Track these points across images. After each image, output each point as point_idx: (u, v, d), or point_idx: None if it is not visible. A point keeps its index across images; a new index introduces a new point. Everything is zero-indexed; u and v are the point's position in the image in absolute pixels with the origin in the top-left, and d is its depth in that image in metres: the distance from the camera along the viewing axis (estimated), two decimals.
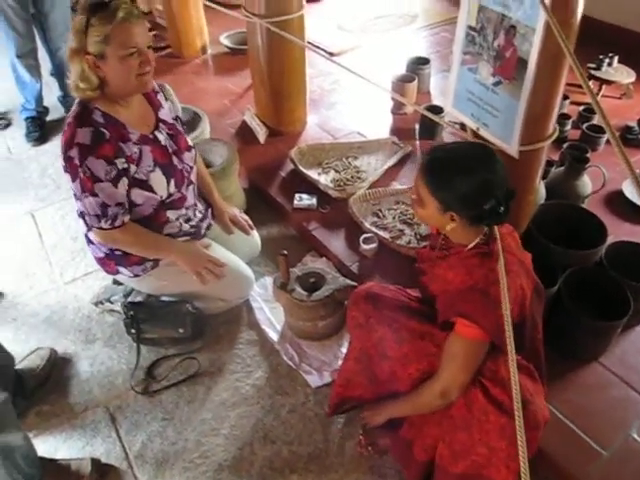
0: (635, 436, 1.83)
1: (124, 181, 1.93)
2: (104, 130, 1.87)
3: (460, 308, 1.48)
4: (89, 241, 2.18)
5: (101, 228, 1.96)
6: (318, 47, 4.14)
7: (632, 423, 1.86)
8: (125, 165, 1.92)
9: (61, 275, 2.70)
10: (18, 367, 2.14)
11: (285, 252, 2.14)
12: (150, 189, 2.01)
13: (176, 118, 2.22)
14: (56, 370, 2.26)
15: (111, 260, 2.17)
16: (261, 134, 3.25)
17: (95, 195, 1.88)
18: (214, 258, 2.20)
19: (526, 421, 1.40)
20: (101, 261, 2.21)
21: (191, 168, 2.20)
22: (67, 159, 1.85)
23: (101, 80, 1.84)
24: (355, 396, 1.88)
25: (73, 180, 1.88)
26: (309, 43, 3.40)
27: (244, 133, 3.37)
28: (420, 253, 1.79)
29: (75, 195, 1.95)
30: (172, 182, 2.08)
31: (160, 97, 2.17)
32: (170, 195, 2.09)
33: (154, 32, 4.65)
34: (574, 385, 1.97)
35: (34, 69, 3.55)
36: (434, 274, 1.66)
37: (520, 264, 1.55)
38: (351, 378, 1.85)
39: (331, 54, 4.15)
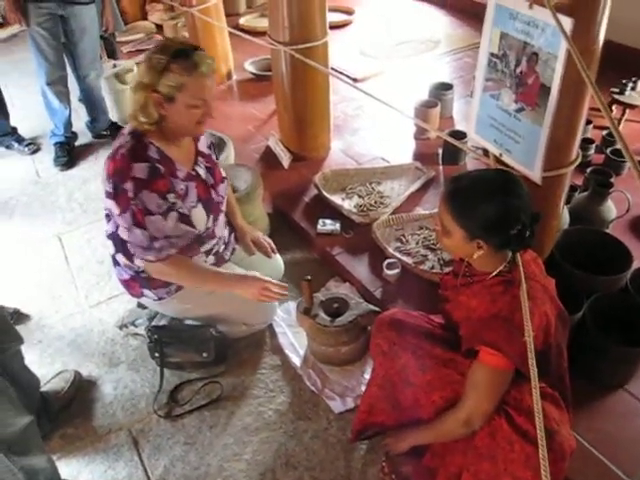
0: None
1: (173, 215, 1.97)
2: (159, 166, 1.91)
3: (484, 336, 1.47)
4: (115, 262, 2.20)
5: (146, 260, 1.99)
6: (342, 73, 4.19)
7: None
8: (175, 200, 1.97)
9: (86, 298, 2.74)
10: (43, 389, 2.17)
11: (309, 277, 2.15)
12: (190, 224, 2.05)
13: (210, 146, 2.26)
14: (80, 393, 2.28)
15: (136, 282, 2.19)
16: (285, 159, 3.28)
17: (144, 228, 1.91)
18: (265, 278, 2.16)
19: (552, 452, 1.39)
20: (126, 283, 2.24)
21: (223, 198, 2.23)
22: (119, 190, 1.87)
23: (160, 117, 1.89)
24: (378, 422, 1.87)
25: (123, 212, 1.90)
26: (333, 69, 3.44)
27: (268, 158, 3.41)
28: (443, 280, 1.79)
29: (124, 227, 1.95)
30: (211, 217, 2.12)
31: None
32: (207, 229, 2.13)
33: None
34: (600, 413, 1.94)
35: (63, 96, 3.64)
36: (457, 301, 1.65)
37: (544, 290, 1.54)
38: (374, 404, 1.84)
39: (355, 80, 4.18)
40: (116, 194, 1.88)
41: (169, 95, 1.83)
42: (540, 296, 1.50)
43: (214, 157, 2.25)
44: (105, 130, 4.00)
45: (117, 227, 2.00)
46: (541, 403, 1.46)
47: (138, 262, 2.05)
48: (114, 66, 4.06)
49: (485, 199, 1.44)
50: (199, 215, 2.07)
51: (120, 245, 2.05)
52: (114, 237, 2.06)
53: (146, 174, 1.87)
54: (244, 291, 2.12)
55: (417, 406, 1.71)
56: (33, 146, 4.00)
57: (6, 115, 3.93)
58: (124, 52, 5.05)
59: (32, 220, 3.32)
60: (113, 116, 4.15)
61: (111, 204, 1.92)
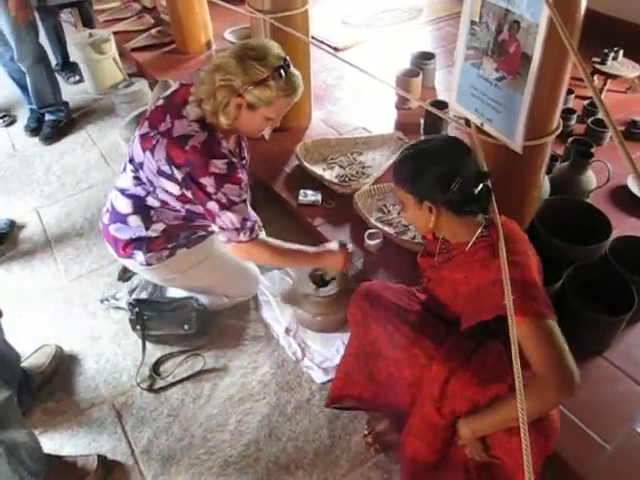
0: (639, 430, 1.82)
1: (249, 200, 2.00)
2: (234, 159, 1.91)
3: (502, 305, 1.35)
4: (124, 223, 2.11)
5: (240, 241, 1.99)
6: (322, 42, 4.14)
7: (636, 417, 1.86)
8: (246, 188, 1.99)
9: (66, 272, 2.72)
10: (24, 364, 2.15)
11: (344, 241, 2.19)
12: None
13: None
14: (62, 367, 2.27)
15: (132, 244, 2.12)
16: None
17: (234, 212, 1.91)
18: (345, 251, 2.18)
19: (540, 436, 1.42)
20: (118, 242, 2.14)
21: None
22: (195, 183, 1.86)
23: (234, 118, 1.87)
24: (354, 395, 1.86)
25: (203, 203, 1.90)
26: (313, 38, 3.40)
27: None
28: (421, 262, 1.77)
29: (212, 212, 1.94)
30: None
31: None
32: None
33: (158, 28, 4.66)
34: None
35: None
36: (439, 278, 1.64)
37: (528, 243, 1.55)
38: (350, 373, 1.84)
39: (335, 49, 4.15)
40: (190, 186, 1.88)
41: (254, 105, 1.82)
42: (527, 249, 1.50)
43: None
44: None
45: (147, 194, 2.01)
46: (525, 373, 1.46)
47: (151, 233, 2.07)
48: (90, 35, 3.97)
49: (425, 161, 1.47)
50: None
51: (141, 209, 2.05)
52: (136, 199, 2.04)
53: (226, 169, 1.87)
54: (334, 263, 2.15)
55: (391, 380, 1.71)
56: (8, 118, 3.93)
57: None
58: (100, 21, 4.93)
59: (9, 194, 3.26)
60: (89, 87, 4.09)
61: (171, 186, 1.92)
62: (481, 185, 1.46)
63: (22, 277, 2.71)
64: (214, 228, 2.00)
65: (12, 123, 3.91)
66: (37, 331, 2.42)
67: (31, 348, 2.27)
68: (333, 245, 2.17)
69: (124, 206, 2.07)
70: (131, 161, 2.01)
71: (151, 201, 2.03)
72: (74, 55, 4.19)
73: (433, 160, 1.46)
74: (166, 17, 4.62)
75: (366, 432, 1.97)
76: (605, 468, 1.74)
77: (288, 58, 1.87)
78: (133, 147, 1.99)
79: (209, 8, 4.22)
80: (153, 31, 4.65)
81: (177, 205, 2.00)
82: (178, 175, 1.86)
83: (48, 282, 2.67)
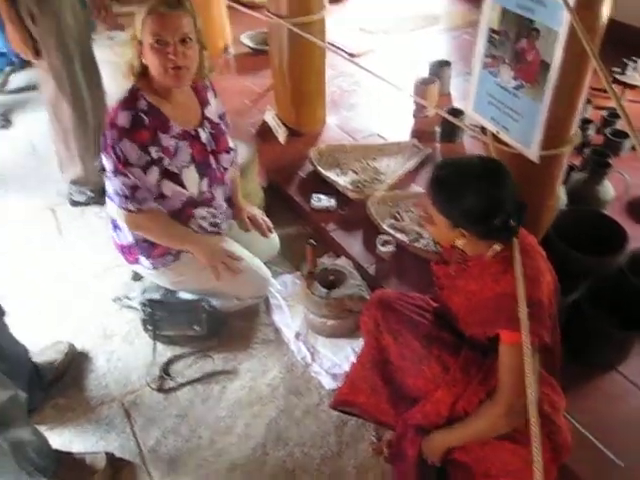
0: None
1: (154, 170, 1.96)
2: (144, 116, 1.90)
3: (499, 320, 1.43)
4: (115, 227, 2.20)
5: (128, 210, 1.98)
6: (339, 48, 4.14)
7: None
8: (160, 155, 1.96)
9: (80, 271, 2.73)
10: (37, 360, 2.16)
11: (312, 241, 2.19)
12: (181, 184, 2.04)
13: (222, 116, 2.25)
14: (74, 364, 2.28)
15: (134, 249, 2.18)
16: (281, 134, 3.26)
17: (126, 176, 1.91)
18: (232, 253, 2.21)
19: (551, 451, 1.41)
20: (124, 249, 2.22)
21: (225, 170, 2.22)
22: (104, 136, 1.90)
23: (143, 67, 1.90)
24: (358, 403, 1.85)
25: (107, 158, 1.93)
26: (330, 44, 3.40)
27: (264, 133, 3.38)
28: (436, 270, 1.76)
29: (107, 173, 1.98)
30: (205, 180, 2.11)
31: (209, 94, 2.20)
32: (201, 193, 2.12)
33: None
34: (592, 394, 1.94)
35: None
36: (454, 287, 1.63)
37: (544, 260, 1.53)
38: (355, 381, 1.84)
39: (352, 55, 4.14)
40: (104, 142, 1.92)
41: (140, 38, 1.86)
42: (542, 265, 1.49)
43: (223, 127, 2.24)
44: None
45: None
46: (540, 388, 1.47)
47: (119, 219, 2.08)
48: (110, 38, 4.00)
49: (468, 189, 1.41)
50: (190, 176, 2.06)
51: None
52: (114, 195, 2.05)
53: (128, 123, 1.87)
54: (203, 255, 2.14)
55: (396, 385, 1.73)
56: (4, 122, 3.95)
57: None
58: (120, 23, 4.96)
59: (26, 192, 3.29)
60: (111, 88, 4.10)
61: (102, 152, 1.95)
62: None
63: (37, 275, 2.72)
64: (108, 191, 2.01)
65: (5, 126, 3.93)
66: (50, 327, 2.43)
67: (44, 343, 2.27)
68: (223, 244, 2.23)
69: (111, 210, 2.11)
70: None
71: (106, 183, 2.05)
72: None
73: (474, 188, 1.40)
74: None
75: (374, 439, 1.96)
76: None
77: None
78: None
79: (227, 11, 4.24)
80: None
81: None
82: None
83: (62, 280, 2.68)
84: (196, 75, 2.03)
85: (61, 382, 2.21)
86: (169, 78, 1.90)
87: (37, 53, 2.62)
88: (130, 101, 1.92)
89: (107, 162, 1.94)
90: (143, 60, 1.90)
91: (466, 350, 1.60)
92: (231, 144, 2.26)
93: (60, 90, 2.73)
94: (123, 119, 1.88)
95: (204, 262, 2.14)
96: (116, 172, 1.92)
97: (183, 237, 2.15)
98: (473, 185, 1.41)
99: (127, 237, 2.17)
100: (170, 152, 1.99)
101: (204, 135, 2.11)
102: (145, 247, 2.16)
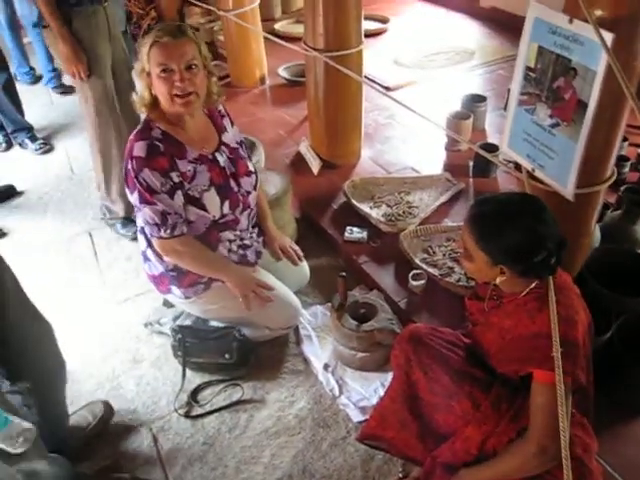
0: None
1: (179, 194, 2.00)
2: (159, 144, 1.95)
3: (534, 359, 1.42)
4: (145, 258, 2.23)
5: (161, 237, 2.02)
6: (374, 81, 4.19)
7: None
8: (179, 179, 2.00)
9: (113, 295, 2.77)
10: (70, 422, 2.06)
11: (344, 273, 2.22)
12: (203, 207, 2.07)
13: (240, 143, 2.29)
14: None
15: (165, 279, 2.21)
16: (315, 165, 3.29)
17: (154, 204, 1.95)
18: (264, 282, 2.22)
19: None
20: (155, 279, 2.26)
21: (248, 193, 2.24)
22: (126, 171, 1.95)
23: (153, 98, 1.95)
24: (387, 438, 1.83)
25: (132, 192, 1.97)
26: (366, 77, 3.44)
27: (298, 164, 3.42)
28: (469, 305, 1.75)
29: (136, 207, 2.02)
30: (226, 203, 2.13)
31: (226, 121, 2.25)
32: (223, 216, 2.14)
33: (215, 62, 4.79)
34: (625, 437, 1.90)
35: None
36: (489, 323, 1.62)
37: (579, 298, 1.52)
38: (385, 415, 1.82)
39: (387, 89, 4.19)
40: (125, 175, 1.96)
41: (147, 70, 1.91)
42: (577, 304, 1.47)
43: (242, 151, 2.27)
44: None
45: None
46: (572, 430, 1.44)
47: (149, 252, 2.12)
48: None
49: (510, 226, 1.41)
50: (211, 199, 2.08)
51: (149, 241, 2.10)
52: (143, 232, 2.10)
53: (145, 152, 1.92)
54: (235, 284, 2.16)
55: (424, 421, 1.71)
56: (46, 146, 4.07)
57: (21, 110, 3.99)
58: None
59: (64, 215, 3.38)
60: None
61: (127, 189, 1.99)
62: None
63: (70, 297, 2.77)
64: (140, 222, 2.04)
65: (48, 151, 4.06)
66: (81, 351, 2.47)
67: (74, 366, 2.29)
68: (252, 270, 2.27)
69: (142, 243, 2.17)
70: None
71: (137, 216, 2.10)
72: None
73: (516, 225, 1.40)
74: (223, 52, 4.75)
75: (400, 475, 1.93)
76: None
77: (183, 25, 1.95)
78: None
79: (265, 44, 4.33)
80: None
81: None
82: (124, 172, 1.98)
83: (96, 304, 2.73)
84: (206, 101, 2.08)
85: (91, 448, 2.10)
86: (178, 105, 1.95)
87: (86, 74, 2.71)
88: (144, 131, 1.97)
89: (133, 195, 1.98)
90: (153, 91, 1.95)
91: (497, 387, 1.59)
92: (251, 167, 2.28)
93: (101, 114, 2.83)
94: (139, 149, 1.93)
95: (235, 291, 2.16)
96: (143, 202, 1.95)
97: (215, 264, 2.18)
98: (516, 222, 1.41)
99: (158, 268, 2.20)
100: (188, 176, 2.03)
101: (222, 159, 2.15)
102: (175, 276, 2.19)
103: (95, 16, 2.68)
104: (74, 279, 2.89)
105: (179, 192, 2.00)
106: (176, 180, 1.98)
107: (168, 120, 2.02)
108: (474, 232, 1.46)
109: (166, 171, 1.95)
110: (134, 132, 1.99)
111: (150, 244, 2.12)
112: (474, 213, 1.48)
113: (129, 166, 1.94)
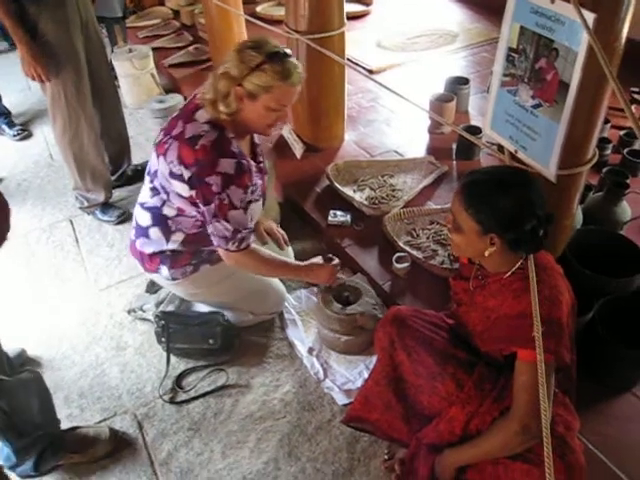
0: None
1: (251, 207, 1.99)
2: (244, 161, 1.92)
3: (519, 337, 1.43)
4: (142, 234, 2.15)
5: (227, 250, 2.01)
6: (357, 64, 4.17)
7: None
8: (252, 194, 2.00)
9: (95, 282, 2.75)
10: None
11: (331, 255, 2.23)
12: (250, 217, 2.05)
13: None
14: (86, 378, 2.24)
15: (157, 258, 2.16)
16: (298, 149, 3.27)
17: (227, 221, 1.92)
18: (334, 265, 2.24)
19: (564, 475, 1.39)
20: (144, 257, 2.18)
21: None
22: (202, 183, 1.86)
23: (237, 110, 1.88)
24: (371, 420, 1.85)
25: (206, 204, 1.90)
26: (348, 60, 3.42)
27: (281, 148, 3.40)
28: (454, 285, 1.76)
29: (204, 218, 1.97)
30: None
31: None
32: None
33: (196, 45, 4.74)
34: (606, 416, 1.92)
35: None
36: (473, 303, 1.63)
37: (563, 278, 1.53)
38: (369, 397, 1.83)
39: (370, 72, 4.17)
40: (196, 185, 1.88)
41: (253, 93, 1.82)
42: (561, 284, 1.48)
43: (259, 151, 2.25)
44: None
45: (163, 203, 2.02)
46: (555, 408, 1.46)
47: (171, 245, 2.10)
48: (129, 51, 4.05)
49: (501, 191, 1.42)
50: (258, 209, 2.10)
51: (159, 220, 2.07)
52: (154, 211, 2.06)
53: (234, 169, 1.87)
54: (317, 278, 2.22)
55: (409, 402, 1.73)
56: (24, 132, 4.02)
57: None
58: (140, 37, 5.04)
59: (45, 203, 3.34)
60: (127, 101, 4.14)
61: (181, 187, 1.92)
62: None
63: (52, 285, 2.75)
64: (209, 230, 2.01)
65: (26, 137, 4.01)
66: (64, 338, 2.45)
67: (58, 354, 2.28)
68: (317, 259, 2.23)
69: (144, 219, 2.11)
70: (148, 173, 2.05)
71: (167, 210, 2.04)
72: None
73: (508, 191, 1.41)
74: (204, 35, 4.70)
75: (386, 457, 1.94)
76: None
77: (289, 51, 1.89)
78: (150, 158, 2.04)
79: (246, 27, 4.28)
80: (191, 48, 4.74)
81: (192, 210, 2.00)
82: (186, 175, 1.88)
83: (77, 291, 2.71)
84: None
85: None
86: (265, 131, 1.97)
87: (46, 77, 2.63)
88: (223, 145, 1.89)
89: (207, 207, 1.91)
90: (241, 105, 1.87)
91: (481, 366, 1.60)
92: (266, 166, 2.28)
93: (72, 106, 2.76)
94: (228, 166, 1.86)
95: (322, 282, 2.26)
96: (220, 216, 1.92)
97: (282, 270, 2.23)
98: (507, 188, 1.42)
99: (156, 247, 2.13)
100: (258, 189, 2.04)
101: (263, 165, 2.17)
102: (167, 257, 2.14)
103: (64, 5, 2.57)
104: (55, 267, 2.86)
105: (251, 205, 1.99)
106: (251, 195, 1.97)
107: (235, 130, 1.94)
108: (465, 199, 1.46)
109: (247, 187, 1.93)
110: (209, 140, 1.87)
111: (159, 224, 2.07)
112: (466, 182, 1.49)
113: (211, 180, 1.85)
